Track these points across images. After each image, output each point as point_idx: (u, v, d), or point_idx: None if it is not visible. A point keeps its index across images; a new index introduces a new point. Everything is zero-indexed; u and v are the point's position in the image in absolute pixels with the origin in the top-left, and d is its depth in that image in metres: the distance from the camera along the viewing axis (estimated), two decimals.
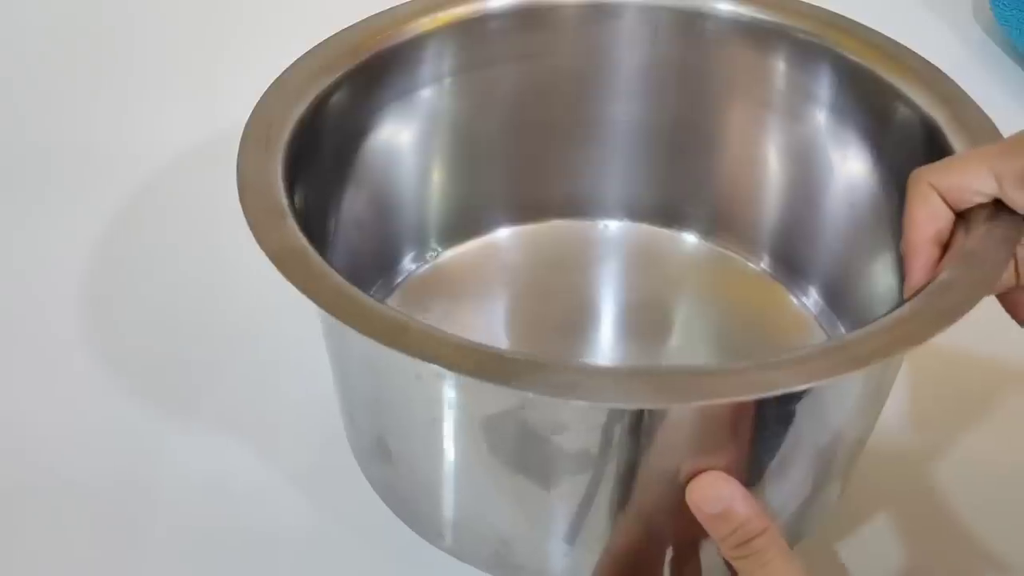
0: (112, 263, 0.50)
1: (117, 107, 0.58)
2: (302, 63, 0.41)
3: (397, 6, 0.44)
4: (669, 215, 0.51)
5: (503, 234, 0.50)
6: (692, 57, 0.47)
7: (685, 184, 0.50)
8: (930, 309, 0.32)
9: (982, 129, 0.39)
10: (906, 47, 0.43)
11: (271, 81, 0.40)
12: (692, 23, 0.46)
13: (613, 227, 0.51)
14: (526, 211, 0.51)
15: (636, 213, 0.51)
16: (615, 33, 0.47)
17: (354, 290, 0.32)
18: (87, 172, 0.55)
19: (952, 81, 0.41)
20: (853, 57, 0.43)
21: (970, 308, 0.32)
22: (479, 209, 0.50)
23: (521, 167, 0.50)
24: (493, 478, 0.35)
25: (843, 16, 0.45)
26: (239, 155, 0.37)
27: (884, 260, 0.44)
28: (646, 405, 0.31)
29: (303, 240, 0.34)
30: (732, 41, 0.46)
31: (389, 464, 0.39)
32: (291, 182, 0.37)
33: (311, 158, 0.40)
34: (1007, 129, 0.41)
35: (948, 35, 0.65)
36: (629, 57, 0.47)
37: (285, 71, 0.41)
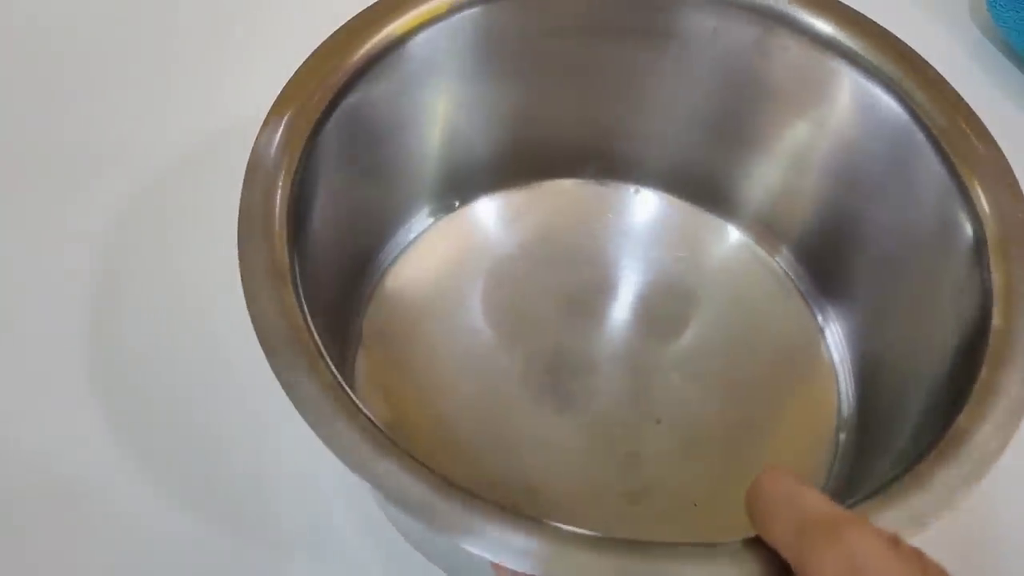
0: (113, 262, 0.49)
1: (117, 107, 0.54)
2: (326, 47, 0.39)
3: None
4: (707, 197, 0.49)
5: (526, 192, 0.48)
6: (756, 58, 0.44)
7: (728, 171, 0.48)
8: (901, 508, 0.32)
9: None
10: (985, 128, 0.39)
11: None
12: (766, 28, 0.43)
13: (645, 195, 0.49)
14: (553, 167, 0.48)
15: (672, 185, 0.49)
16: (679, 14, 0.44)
17: (340, 394, 0.32)
18: (86, 172, 0.52)
19: (1017, 183, 0.38)
20: (925, 119, 0.40)
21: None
22: (502, 161, 0.47)
23: (553, 119, 0.47)
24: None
25: (927, 63, 0.41)
26: (243, 192, 0.36)
27: (912, 305, 0.42)
28: None
29: (299, 318, 0.33)
30: (802, 55, 0.43)
31: None
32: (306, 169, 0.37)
33: (333, 137, 0.39)
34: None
35: (944, 35, 0.62)
36: (691, 37, 0.44)
37: (306, 60, 0.39)
